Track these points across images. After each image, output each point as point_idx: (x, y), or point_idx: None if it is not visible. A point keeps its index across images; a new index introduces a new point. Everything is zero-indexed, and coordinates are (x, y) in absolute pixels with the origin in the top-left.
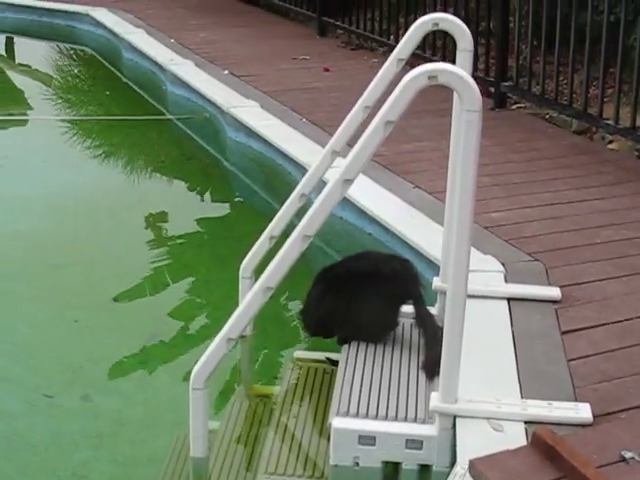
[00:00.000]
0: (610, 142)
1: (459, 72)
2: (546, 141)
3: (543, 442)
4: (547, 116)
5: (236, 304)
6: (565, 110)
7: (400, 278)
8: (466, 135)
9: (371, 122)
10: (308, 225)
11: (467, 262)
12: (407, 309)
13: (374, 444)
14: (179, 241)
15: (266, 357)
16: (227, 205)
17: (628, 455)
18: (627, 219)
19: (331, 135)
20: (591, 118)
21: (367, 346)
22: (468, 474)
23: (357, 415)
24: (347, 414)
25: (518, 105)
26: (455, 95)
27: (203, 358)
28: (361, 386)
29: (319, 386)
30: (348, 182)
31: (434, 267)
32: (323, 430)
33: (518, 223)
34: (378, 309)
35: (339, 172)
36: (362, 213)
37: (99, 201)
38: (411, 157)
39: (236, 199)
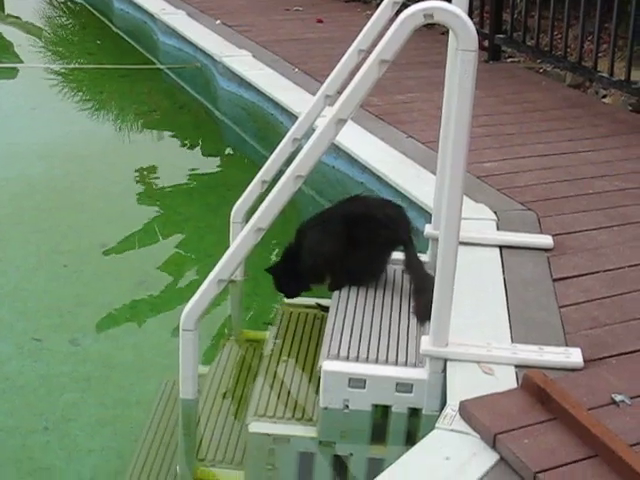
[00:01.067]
0: (604, 97)
1: (455, 10)
2: (540, 93)
3: (534, 384)
4: (541, 70)
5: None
6: (559, 62)
7: (393, 223)
8: (461, 76)
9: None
10: (300, 165)
11: (460, 209)
12: (397, 255)
13: (364, 387)
14: (169, 189)
15: (256, 303)
16: (218, 155)
17: (618, 398)
18: (620, 170)
19: (323, 84)
20: (585, 71)
21: (358, 292)
22: (458, 416)
23: (347, 358)
24: (337, 357)
25: (512, 60)
26: (450, 35)
27: (193, 299)
28: (352, 330)
29: (309, 331)
30: (342, 122)
31: (426, 215)
32: (313, 374)
33: (511, 173)
34: (370, 254)
35: (333, 112)
36: (354, 162)
37: (89, 149)
38: (404, 107)
39: (227, 149)
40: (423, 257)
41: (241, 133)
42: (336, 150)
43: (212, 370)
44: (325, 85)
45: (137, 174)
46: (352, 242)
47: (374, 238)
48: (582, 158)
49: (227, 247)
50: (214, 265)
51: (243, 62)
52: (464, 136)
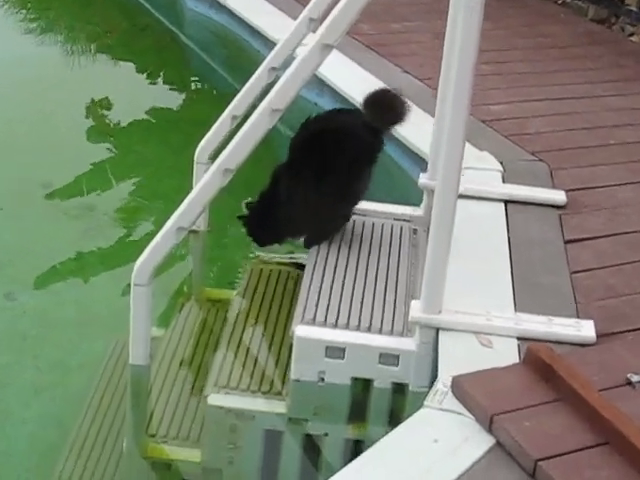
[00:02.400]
0: (631, 35)
1: None
2: (557, 27)
3: (538, 359)
4: (559, 1)
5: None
6: None
7: (357, 136)
8: (467, 3)
9: None
10: (278, 97)
11: (460, 157)
12: (390, 209)
13: (343, 357)
14: (125, 125)
15: (222, 258)
16: (183, 86)
17: (635, 379)
18: None
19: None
20: (611, 3)
21: (340, 248)
22: (450, 393)
23: (325, 324)
24: (313, 322)
25: None
26: None
27: (148, 249)
28: (331, 292)
29: (282, 292)
30: (327, 48)
31: (421, 163)
32: (284, 341)
33: (521, 118)
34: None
35: (318, 36)
36: (341, 99)
37: (33, 77)
38: (400, 38)
39: (193, 79)
40: (417, 211)
41: (210, 61)
42: (319, 85)
43: (168, 333)
44: (309, 7)
45: (88, 106)
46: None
47: (338, 168)
48: (603, 103)
49: (189, 191)
50: (173, 211)
51: None
52: (468, 73)
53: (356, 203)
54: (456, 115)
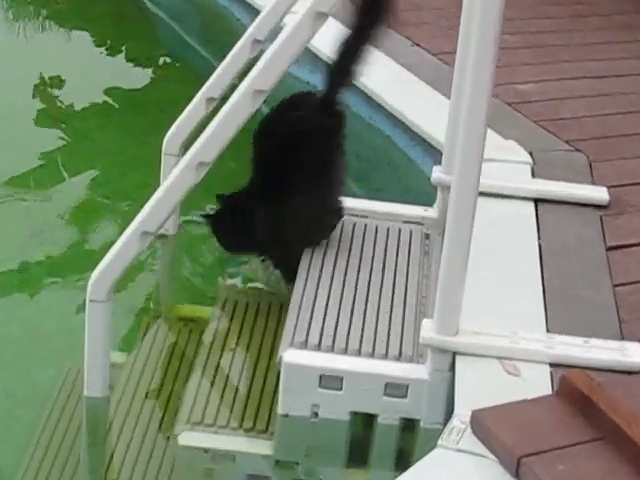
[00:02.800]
0: None
1: None
2: None
3: (574, 390)
4: None
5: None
6: None
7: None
8: None
9: None
10: (262, 75)
11: (481, 147)
12: (397, 209)
13: (340, 388)
14: (79, 108)
15: (196, 267)
16: (149, 62)
17: None
18: None
19: None
20: None
21: (336, 257)
22: (469, 430)
23: (318, 348)
24: (305, 346)
25: None
26: None
27: (106, 259)
28: (326, 310)
29: (266, 309)
30: (321, 17)
31: (435, 153)
32: (270, 368)
33: (554, 100)
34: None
35: (309, 2)
36: None
37: None
38: (408, 3)
39: (161, 53)
40: (429, 211)
41: (181, 32)
42: (312, 60)
43: (131, 359)
44: None
45: (35, 85)
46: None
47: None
48: None
49: (156, 188)
50: (137, 212)
51: None
52: (490, 46)
53: (336, 196)
54: (476, 96)
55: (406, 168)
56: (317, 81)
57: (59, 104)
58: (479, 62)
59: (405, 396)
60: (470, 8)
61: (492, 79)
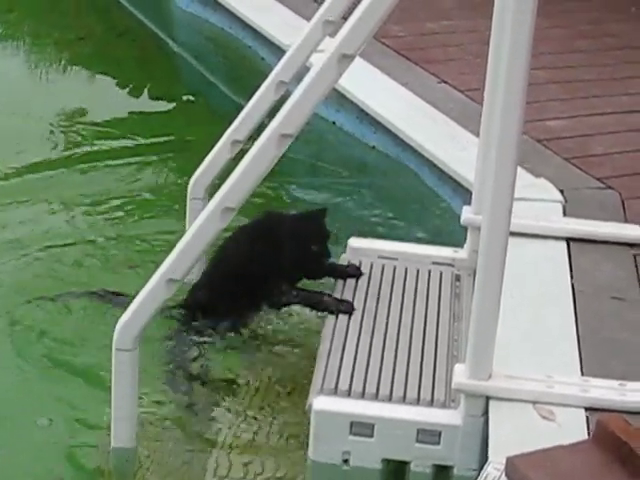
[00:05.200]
0: None
1: None
2: (628, 24)
3: (611, 435)
4: None
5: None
6: None
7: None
8: (517, 4)
9: None
10: (288, 119)
11: (511, 186)
12: (427, 251)
13: (372, 435)
14: (101, 149)
15: None
16: (172, 103)
17: None
18: None
19: (321, 4)
20: None
21: (366, 300)
22: (504, 477)
23: (349, 394)
24: (335, 392)
25: None
26: None
27: (132, 308)
28: (356, 355)
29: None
30: (347, 58)
31: (464, 193)
32: (300, 414)
33: (585, 136)
34: None
35: (335, 45)
36: (364, 116)
37: None
38: (436, 40)
39: (185, 94)
40: (460, 252)
41: (205, 73)
42: (339, 100)
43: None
44: (325, 6)
45: (57, 126)
46: None
47: None
48: None
49: (182, 234)
50: (162, 260)
51: None
52: (519, 82)
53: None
54: (505, 134)
55: (436, 208)
56: (342, 120)
57: (80, 139)
58: (508, 98)
59: (438, 442)
60: (498, 44)
61: (522, 116)
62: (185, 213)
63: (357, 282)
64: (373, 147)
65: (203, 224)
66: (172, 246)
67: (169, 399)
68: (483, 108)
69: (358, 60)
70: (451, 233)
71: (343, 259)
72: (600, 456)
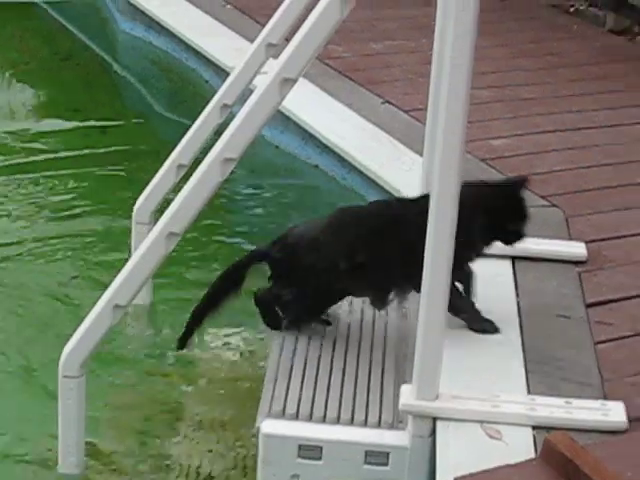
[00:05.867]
0: None
1: None
2: (570, 42)
3: (557, 453)
4: (572, 9)
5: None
6: None
7: None
8: (458, 15)
9: None
10: (231, 143)
11: (454, 207)
12: None
13: (320, 457)
14: (43, 175)
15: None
16: (117, 125)
17: None
18: None
19: (264, 26)
20: (633, 10)
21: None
22: None
23: (297, 417)
24: (282, 415)
25: None
26: None
27: (77, 334)
28: (303, 377)
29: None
30: (289, 82)
31: None
32: (246, 437)
33: (529, 154)
34: None
35: (276, 69)
36: (308, 138)
37: None
38: (380, 61)
39: (130, 117)
40: None
41: (149, 96)
42: (283, 121)
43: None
44: (268, 28)
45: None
46: None
47: None
48: (628, 133)
49: (126, 259)
50: (107, 286)
51: None
52: (461, 102)
53: None
54: (447, 154)
55: None
56: (286, 142)
57: (22, 169)
58: (449, 118)
59: (386, 463)
60: (440, 64)
61: (463, 136)
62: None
63: None
64: (316, 166)
65: (148, 250)
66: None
67: (120, 425)
68: (426, 128)
69: (303, 81)
70: None
71: None
72: (547, 474)
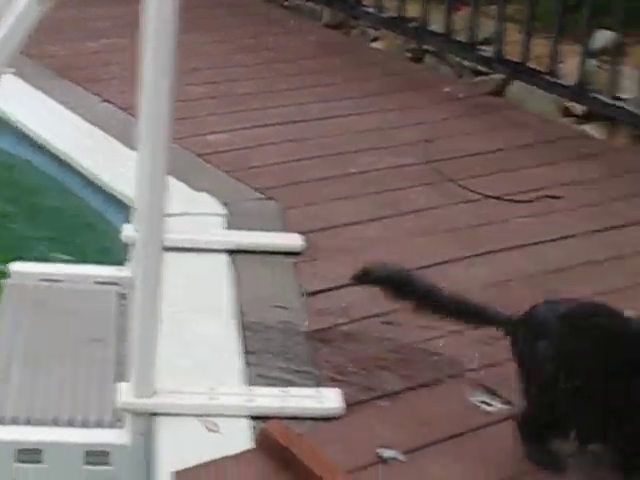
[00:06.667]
0: (374, 40)
1: None
2: (287, 37)
3: (274, 442)
4: (286, 2)
5: None
6: None
7: None
8: (158, 6)
9: None
10: None
11: (162, 201)
12: (90, 270)
13: (41, 460)
14: None
15: None
16: None
17: (387, 454)
18: (393, 141)
19: None
20: (346, 5)
21: (30, 326)
22: None
23: (14, 421)
24: (1, 422)
25: None
26: None
27: None
28: (22, 383)
29: None
30: None
31: (129, 211)
32: None
33: (245, 148)
34: None
35: None
36: (23, 137)
37: None
38: (97, 59)
39: None
40: (123, 271)
41: None
42: (15, 132)
43: None
44: None
45: None
46: None
47: None
48: (342, 125)
49: None
50: None
51: None
52: (163, 96)
53: None
54: (153, 150)
55: (102, 228)
56: (3, 144)
57: None
58: (153, 115)
59: (108, 462)
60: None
61: (169, 131)
62: None
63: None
64: (29, 161)
65: None
66: None
67: None
68: (138, 126)
69: (16, 82)
70: (120, 252)
71: (5, 284)
72: (264, 463)
